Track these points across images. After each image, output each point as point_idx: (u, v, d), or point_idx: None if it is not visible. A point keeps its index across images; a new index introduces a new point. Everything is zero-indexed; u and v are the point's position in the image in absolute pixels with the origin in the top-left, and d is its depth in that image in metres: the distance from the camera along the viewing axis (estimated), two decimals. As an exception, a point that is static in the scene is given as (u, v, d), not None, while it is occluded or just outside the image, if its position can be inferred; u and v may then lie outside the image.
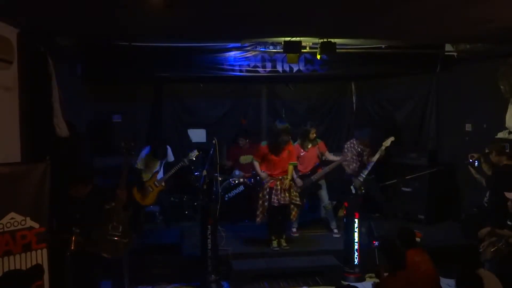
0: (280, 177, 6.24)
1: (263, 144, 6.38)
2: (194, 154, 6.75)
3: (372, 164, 6.95)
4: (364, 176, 6.97)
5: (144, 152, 6.83)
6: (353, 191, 6.79)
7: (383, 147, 6.92)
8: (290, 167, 6.35)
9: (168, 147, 6.99)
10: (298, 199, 6.37)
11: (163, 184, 6.71)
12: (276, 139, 6.16)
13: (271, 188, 6.22)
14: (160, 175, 6.80)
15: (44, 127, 5.34)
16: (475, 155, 6.08)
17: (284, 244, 6.40)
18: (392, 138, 6.95)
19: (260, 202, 6.26)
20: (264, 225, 6.44)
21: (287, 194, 6.21)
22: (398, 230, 4.70)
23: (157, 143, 6.94)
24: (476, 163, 6.04)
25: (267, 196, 6.21)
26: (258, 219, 6.30)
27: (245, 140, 7.88)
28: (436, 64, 7.60)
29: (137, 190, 6.58)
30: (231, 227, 7.04)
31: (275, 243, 6.35)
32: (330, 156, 7.04)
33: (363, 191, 6.47)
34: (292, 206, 6.33)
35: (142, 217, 6.83)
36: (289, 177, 6.30)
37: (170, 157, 6.98)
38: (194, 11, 4.54)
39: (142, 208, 6.75)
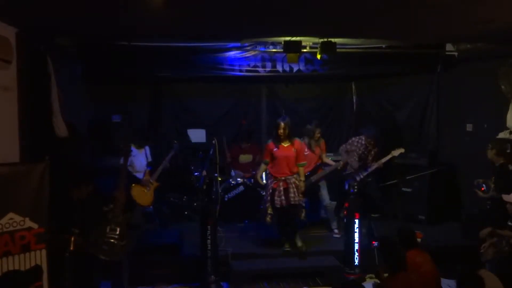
0: (283, 177, 6.06)
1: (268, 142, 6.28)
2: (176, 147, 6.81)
3: (373, 168, 6.90)
4: (362, 176, 6.89)
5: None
6: (346, 187, 6.72)
7: (390, 156, 6.75)
8: (301, 169, 6.15)
9: (146, 146, 6.86)
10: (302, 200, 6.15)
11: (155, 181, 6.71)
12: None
13: (274, 189, 6.07)
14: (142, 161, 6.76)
15: (43, 127, 5.33)
16: (481, 180, 5.98)
17: (300, 243, 6.23)
18: (401, 150, 6.74)
19: (267, 204, 6.12)
20: (263, 225, 6.42)
21: (291, 196, 5.98)
22: (398, 231, 4.69)
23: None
24: (484, 187, 5.90)
25: (268, 198, 6.10)
26: (267, 219, 6.11)
27: (247, 143, 7.89)
28: (436, 64, 7.60)
29: (135, 191, 6.56)
30: (231, 228, 7.03)
31: (286, 245, 6.22)
32: (327, 159, 7.05)
33: (356, 189, 6.36)
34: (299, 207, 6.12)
35: (140, 218, 6.80)
36: (302, 178, 6.13)
37: (148, 156, 6.85)
38: (194, 10, 4.53)
39: (140, 208, 6.73)
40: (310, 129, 6.86)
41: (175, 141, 6.99)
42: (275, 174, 6.11)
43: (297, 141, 6.16)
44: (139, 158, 6.74)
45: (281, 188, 6.02)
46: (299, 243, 6.25)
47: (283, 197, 5.99)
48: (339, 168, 6.94)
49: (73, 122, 5.94)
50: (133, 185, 6.47)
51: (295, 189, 6.02)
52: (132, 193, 6.43)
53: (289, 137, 6.05)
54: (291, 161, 6.07)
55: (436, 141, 8.00)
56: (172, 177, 7.24)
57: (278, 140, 6.07)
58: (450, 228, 7.23)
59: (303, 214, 6.16)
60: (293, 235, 6.27)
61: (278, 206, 6.01)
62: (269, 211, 6.09)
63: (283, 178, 6.07)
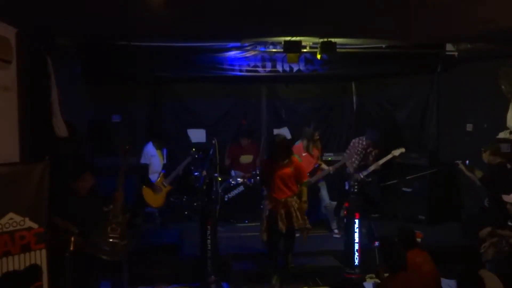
0: (283, 199, 5.53)
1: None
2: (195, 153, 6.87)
3: (372, 169, 6.94)
4: (362, 176, 6.95)
5: (147, 147, 6.85)
6: (346, 187, 6.74)
7: (390, 156, 6.87)
8: (304, 189, 5.67)
9: (164, 148, 7.04)
10: (307, 222, 5.63)
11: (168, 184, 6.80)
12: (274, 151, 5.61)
13: (272, 211, 5.53)
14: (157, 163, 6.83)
15: (43, 127, 5.32)
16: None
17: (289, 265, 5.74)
18: (402, 150, 6.90)
19: (264, 226, 5.61)
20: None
21: (298, 218, 5.51)
22: (398, 231, 4.69)
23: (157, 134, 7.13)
24: (467, 162, 6.09)
25: (265, 221, 5.59)
26: (263, 236, 5.60)
27: (248, 140, 7.88)
28: (436, 64, 7.60)
29: (147, 192, 6.60)
30: (231, 228, 7.02)
31: (274, 279, 5.60)
32: (321, 163, 7.07)
33: (356, 189, 6.36)
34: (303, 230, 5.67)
35: (140, 218, 6.82)
36: (304, 198, 5.62)
37: (165, 158, 7.03)
38: (194, 10, 4.52)
39: (140, 208, 6.75)
40: (309, 131, 6.86)
41: (193, 149, 7.05)
42: (274, 195, 5.56)
43: (295, 159, 5.70)
44: (158, 159, 6.88)
45: (282, 212, 5.49)
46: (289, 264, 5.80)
47: (286, 220, 5.48)
48: (331, 172, 6.95)
49: (73, 122, 5.93)
50: (145, 186, 6.53)
51: (297, 212, 5.52)
52: (144, 194, 6.48)
53: (286, 155, 5.56)
54: (288, 180, 5.55)
55: (436, 141, 8.01)
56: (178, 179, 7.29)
57: (274, 159, 5.58)
58: (450, 228, 7.23)
59: (304, 235, 5.71)
60: (288, 254, 5.79)
61: (283, 231, 5.48)
62: (264, 234, 5.59)
63: (282, 200, 5.53)
